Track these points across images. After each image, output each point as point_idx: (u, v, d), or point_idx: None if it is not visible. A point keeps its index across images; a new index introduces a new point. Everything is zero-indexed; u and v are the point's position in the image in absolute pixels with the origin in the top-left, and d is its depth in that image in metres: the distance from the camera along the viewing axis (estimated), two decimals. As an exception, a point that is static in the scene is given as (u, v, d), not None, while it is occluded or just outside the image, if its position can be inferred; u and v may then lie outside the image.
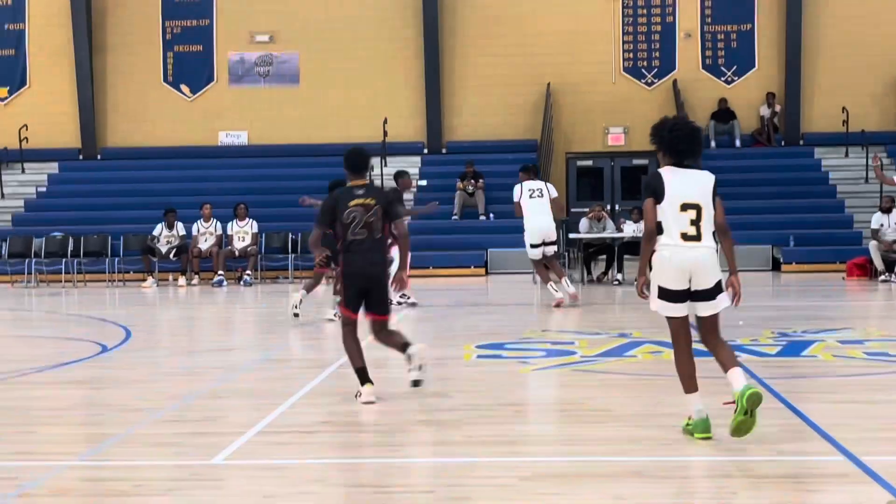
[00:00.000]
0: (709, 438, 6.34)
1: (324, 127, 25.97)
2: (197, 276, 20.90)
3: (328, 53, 26.19)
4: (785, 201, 23.64)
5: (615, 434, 6.78)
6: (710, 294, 6.38)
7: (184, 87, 26.71)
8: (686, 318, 6.47)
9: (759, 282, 19.32)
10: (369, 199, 7.86)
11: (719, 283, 6.43)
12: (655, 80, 26.25)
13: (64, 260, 21.54)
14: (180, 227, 21.34)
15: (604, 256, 20.01)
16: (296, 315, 13.16)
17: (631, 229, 19.02)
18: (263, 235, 21.72)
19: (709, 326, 6.49)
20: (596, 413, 7.47)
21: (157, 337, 13.37)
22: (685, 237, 6.35)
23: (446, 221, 23.25)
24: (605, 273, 19.82)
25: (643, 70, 26.33)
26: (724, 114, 25.96)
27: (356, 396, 7.82)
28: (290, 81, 26.55)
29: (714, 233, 6.48)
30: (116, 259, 21.57)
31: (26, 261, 21.48)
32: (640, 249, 6.78)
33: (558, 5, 26.04)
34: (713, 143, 25.67)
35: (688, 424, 6.51)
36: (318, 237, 8.12)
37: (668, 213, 6.37)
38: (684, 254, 6.34)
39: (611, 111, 26.12)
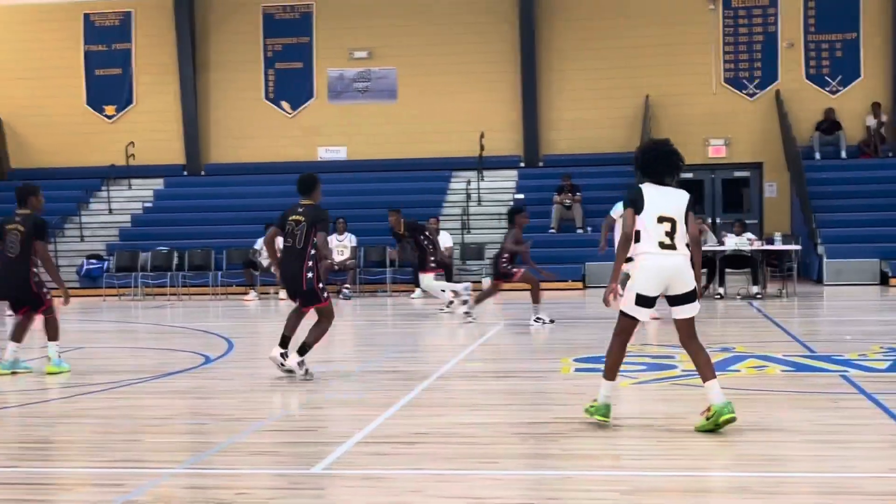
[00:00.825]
0: (607, 422, 7.06)
1: (421, 142, 26.12)
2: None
3: (425, 69, 26.35)
4: (893, 213, 23.01)
5: (717, 449, 6.65)
6: (687, 298, 7.00)
7: (284, 104, 27.14)
8: (637, 321, 7.12)
9: (867, 296, 18.81)
10: (301, 217, 9.91)
11: (694, 289, 7.05)
12: (757, 91, 25.83)
13: (169, 273, 22.03)
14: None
15: (705, 270, 19.69)
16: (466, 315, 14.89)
17: (732, 242, 18.70)
18: (362, 249, 21.90)
19: (687, 330, 7.08)
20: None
21: (259, 348, 13.54)
22: (662, 245, 6.95)
23: (544, 235, 23.18)
24: (707, 287, 19.50)
25: (744, 81, 25.93)
26: (829, 125, 25.40)
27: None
28: (388, 97, 26.78)
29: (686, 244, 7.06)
30: (219, 273, 21.98)
31: (133, 274, 22.02)
32: (623, 257, 7.27)
33: (656, 16, 25.81)
34: (818, 155, 25.14)
35: (591, 406, 7.18)
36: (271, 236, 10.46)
37: (647, 223, 6.98)
38: (663, 261, 6.95)
39: (711, 123, 25.78)
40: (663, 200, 7.03)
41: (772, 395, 7.40)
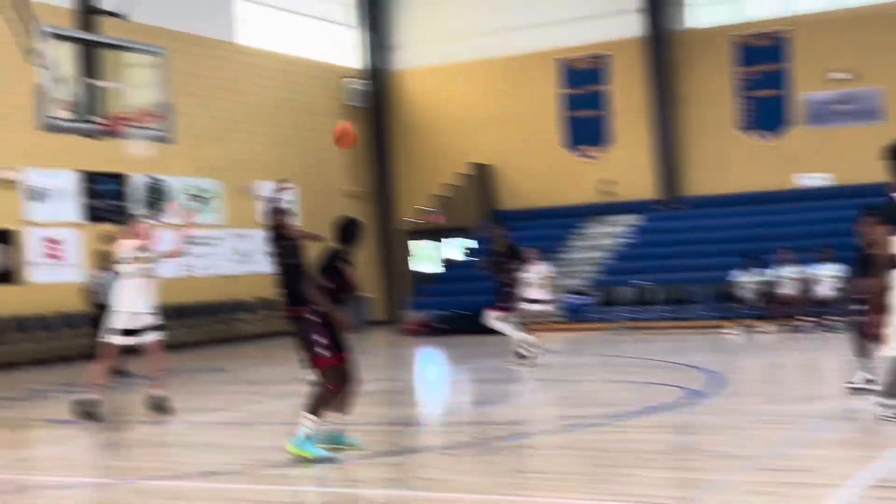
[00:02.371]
0: None
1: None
2: (782, 322, 20.51)
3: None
4: None
5: None
6: None
7: (759, 132, 26.60)
8: None
9: None
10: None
11: None
12: None
13: (649, 307, 22.30)
14: (762, 272, 21.14)
15: None
16: None
17: None
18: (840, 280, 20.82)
19: None
20: None
21: (745, 384, 13.30)
22: None
23: None
24: None
25: None
26: None
27: None
28: (874, 118, 25.33)
29: None
30: (699, 305, 21.89)
31: (614, 308, 22.56)
32: None
33: None
34: None
35: None
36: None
37: None
38: None
39: None
40: None
41: None
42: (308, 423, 8.29)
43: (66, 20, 14.28)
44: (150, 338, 11.66)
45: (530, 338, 15.55)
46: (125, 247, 11.65)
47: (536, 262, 17.95)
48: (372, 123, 30.24)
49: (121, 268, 11.65)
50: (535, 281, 17.82)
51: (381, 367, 18.15)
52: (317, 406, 8.35)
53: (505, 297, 15.75)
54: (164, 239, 12.54)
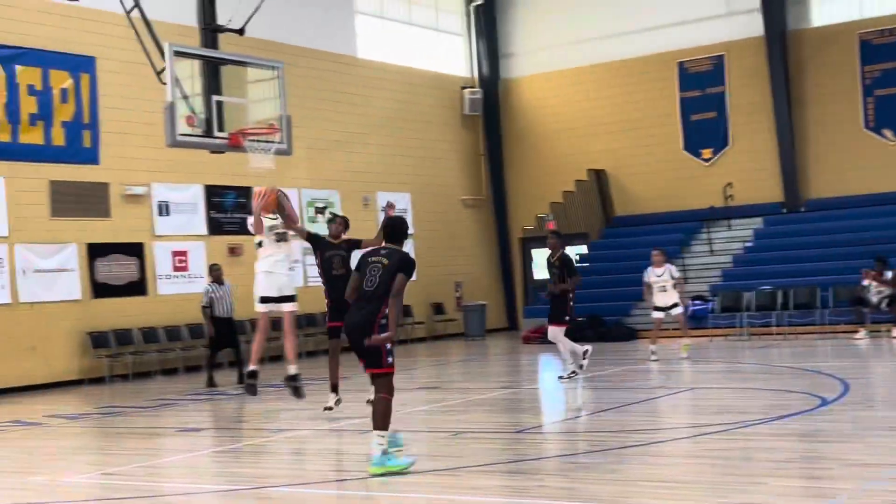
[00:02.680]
0: None
1: None
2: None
3: None
4: None
5: None
6: None
7: (886, 132, 25.80)
8: None
9: None
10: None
11: None
12: None
13: (773, 313, 21.81)
14: (889, 276, 20.48)
15: None
16: None
17: None
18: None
19: None
20: None
21: (875, 390, 12.91)
22: None
23: None
24: None
25: None
26: None
27: None
28: None
29: None
30: (826, 310, 21.32)
31: (737, 314, 22.12)
32: None
33: None
34: None
35: None
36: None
37: None
38: None
39: None
40: None
41: None
42: (380, 440, 8.25)
43: (191, 39, 14.65)
44: (287, 308, 12.21)
45: (580, 348, 15.20)
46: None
47: (661, 264, 17.69)
48: (487, 132, 30.31)
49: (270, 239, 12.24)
50: (660, 284, 17.58)
51: (501, 374, 18.15)
52: (386, 420, 8.29)
53: (564, 311, 15.24)
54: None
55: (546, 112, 29.99)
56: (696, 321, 23.39)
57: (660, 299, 17.65)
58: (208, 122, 13.36)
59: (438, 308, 27.96)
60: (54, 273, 19.61)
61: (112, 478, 9.23)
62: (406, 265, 8.45)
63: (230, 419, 13.74)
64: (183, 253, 21.73)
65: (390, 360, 8.40)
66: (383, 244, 8.84)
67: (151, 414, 13.96)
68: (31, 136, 19.28)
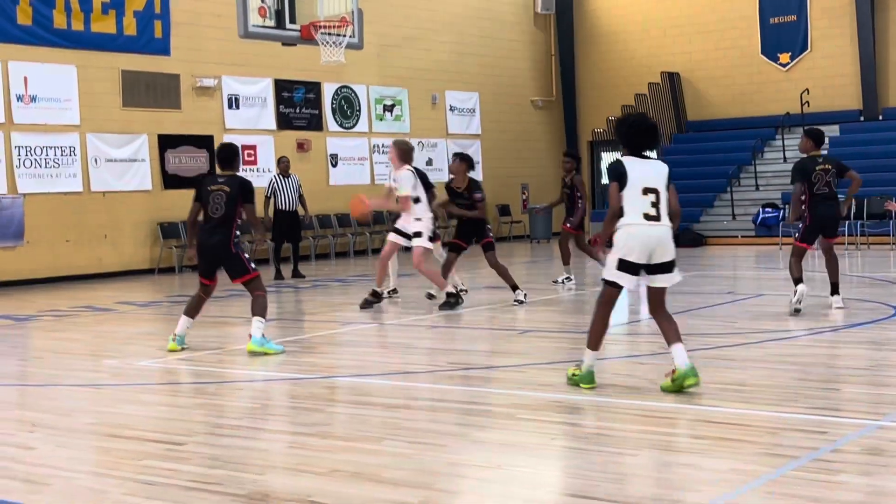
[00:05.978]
0: (593, 388, 7.24)
1: None
2: None
3: None
4: None
5: None
6: (667, 267, 7.20)
7: (974, 38, 24.90)
8: (621, 289, 7.24)
9: None
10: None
11: (674, 259, 7.21)
12: None
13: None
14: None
15: None
16: None
17: None
18: None
19: (659, 298, 7.30)
20: None
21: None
22: (647, 217, 7.10)
23: None
24: None
25: None
26: None
27: None
28: None
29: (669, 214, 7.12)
30: (900, 221, 20.89)
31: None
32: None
33: None
34: None
35: (574, 375, 7.43)
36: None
37: (632, 196, 7.11)
38: (648, 231, 7.09)
39: None
40: (646, 172, 7.18)
41: None
42: (259, 324, 9.54)
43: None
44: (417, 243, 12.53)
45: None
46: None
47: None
48: (559, 31, 29.78)
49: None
50: None
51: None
52: (265, 310, 9.72)
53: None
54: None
55: (620, 12, 29.34)
56: (765, 229, 23.07)
57: None
58: (280, 13, 13.24)
59: (504, 209, 27.86)
60: (125, 163, 19.81)
61: (182, 363, 9.39)
62: (245, 191, 9.63)
63: (298, 311, 13.89)
64: (252, 147, 21.79)
65: (252, 265, 9.74)
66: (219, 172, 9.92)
67: (221, 303, 14.13)
68: (103, 25, 19.31)
